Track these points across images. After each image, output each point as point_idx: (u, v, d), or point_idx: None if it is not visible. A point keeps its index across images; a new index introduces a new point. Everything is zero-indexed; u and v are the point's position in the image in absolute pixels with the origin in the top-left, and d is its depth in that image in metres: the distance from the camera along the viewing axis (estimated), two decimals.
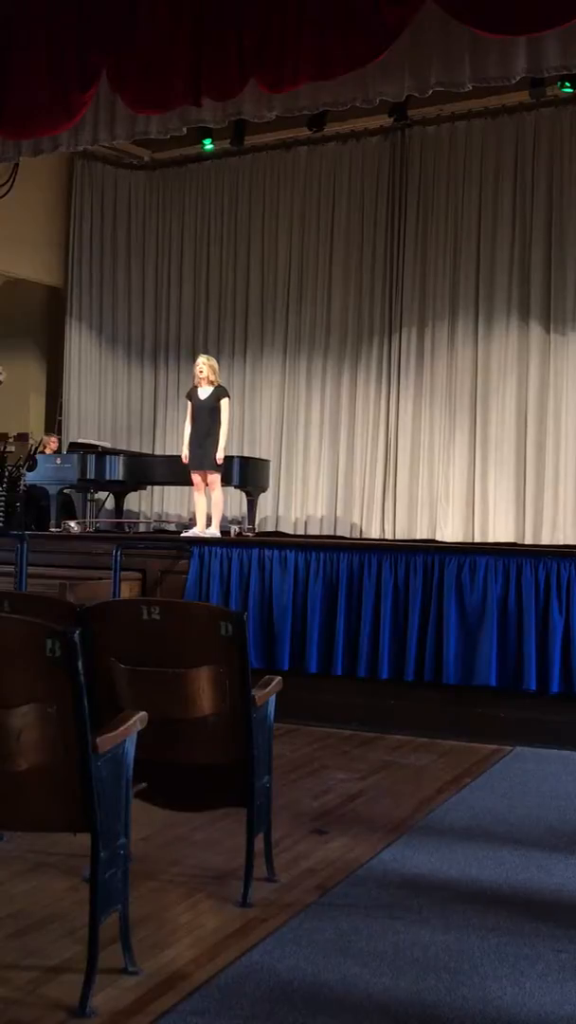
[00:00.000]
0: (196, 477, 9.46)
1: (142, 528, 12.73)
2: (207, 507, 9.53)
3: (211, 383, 9.39)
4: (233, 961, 3.44)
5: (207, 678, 3.90)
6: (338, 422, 12.38)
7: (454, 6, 6.67)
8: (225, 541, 8.72)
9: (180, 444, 9.69)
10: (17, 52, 8.13)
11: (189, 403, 9.52)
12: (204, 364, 9.43)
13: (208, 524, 9.50)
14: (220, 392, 9.40)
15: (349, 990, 3.26)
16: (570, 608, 7.12)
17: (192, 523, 10.31)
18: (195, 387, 9.51)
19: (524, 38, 6.77)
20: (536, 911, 3.98)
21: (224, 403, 9.34)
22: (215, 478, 9.44)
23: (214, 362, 9.62)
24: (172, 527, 12.72)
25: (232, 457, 10.59)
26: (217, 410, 9.29)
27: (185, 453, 9.46)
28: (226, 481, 10.24)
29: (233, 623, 3.94)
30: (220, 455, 9.30)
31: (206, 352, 11.06)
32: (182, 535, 9.50)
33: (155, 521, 13.06)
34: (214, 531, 9.39)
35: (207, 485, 9.47)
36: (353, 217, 12.38)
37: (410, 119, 11.28)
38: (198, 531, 9.44)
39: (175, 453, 12.82)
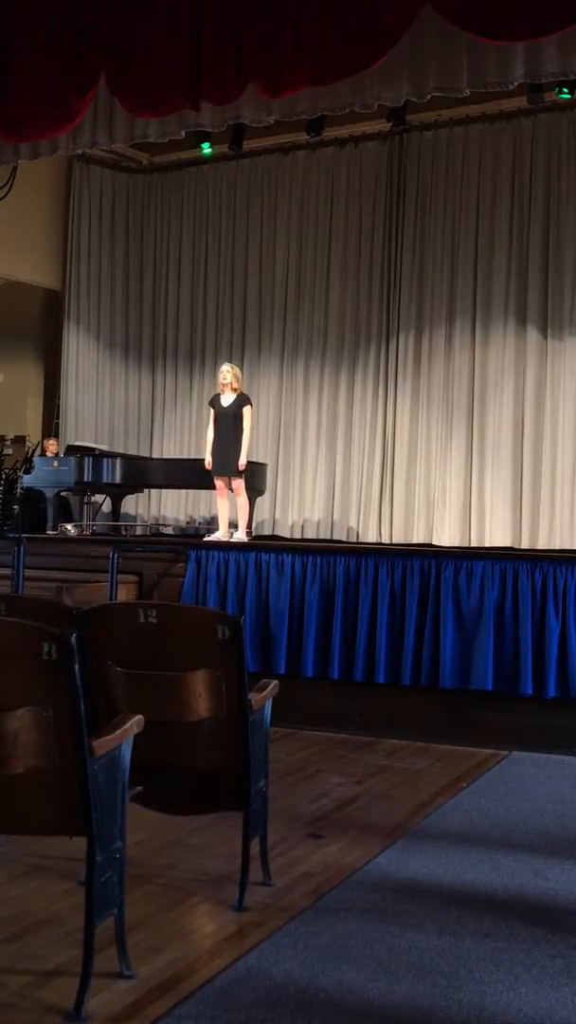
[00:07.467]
0: (219, 482, 9.54)
1: (139, 531, 12.73)
2: (230, 512, 9.56)
3: (234, 390, 9.43)
4: (229, 965, 3.44)
5: (204, 681, 3.90)
6: (335, 426, 12.39)
7: (453, 11, 6.68)
8: (222, 544, 8.72)
9: (203, 450, 9.73)
10: (16, 54, 8.14)
11: (212, 410, 9.56)
12: (228, 371, 9.47)
13: (231, 528, 9.52)
14: (243, 400, 9.44)
15: (345, 994, 3.26)
16: (566, 612, 7.12)
17: (211, 527, 10.33)
18: (218, 394, 9.56)
19: (522, 44, 6.79)
20: (531, 916, 3.98)
21: (247, 410, 9.40)
22: (239, 483, 9.49)
23: (238, 370, 9.65)
24: (170, 531, 12.72)
25: None
26: (240, 417, 9.35)
27: (208, 459, 9.49)
28: None
29: (230, 626, 3.94)
30: (243, 461, 9.36)
31: (218, 357, 11.11)
32: (205, 539, 9.49)
33: (152, 524, 13.06)
34: (241, 536, 9.40)
35: (231, 491, 9.51)
36: (351, 221, 12.39)
37: (408, 124, 11.32)
38: (221, 535, 9.45)
39: (172, 456, 12.90)
